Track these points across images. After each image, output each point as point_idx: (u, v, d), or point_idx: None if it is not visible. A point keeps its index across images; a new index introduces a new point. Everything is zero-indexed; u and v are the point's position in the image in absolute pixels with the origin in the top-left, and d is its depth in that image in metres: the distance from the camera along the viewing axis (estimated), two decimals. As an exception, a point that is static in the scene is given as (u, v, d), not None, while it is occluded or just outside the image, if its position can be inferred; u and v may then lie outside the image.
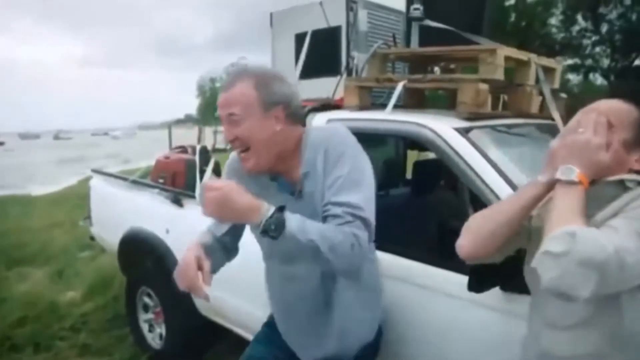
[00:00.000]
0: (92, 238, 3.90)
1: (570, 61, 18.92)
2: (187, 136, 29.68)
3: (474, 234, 1.20)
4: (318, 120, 2.22)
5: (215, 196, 1.17)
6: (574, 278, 0.93)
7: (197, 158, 2.96)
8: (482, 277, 1.38)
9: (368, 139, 2.98)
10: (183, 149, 3.41)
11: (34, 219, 7.49)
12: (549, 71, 2.29)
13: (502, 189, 1.57)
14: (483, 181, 1.61)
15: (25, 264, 5.14)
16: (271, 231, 1.18)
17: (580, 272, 0.92)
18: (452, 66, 2.48)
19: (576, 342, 1.11)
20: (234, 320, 2.59)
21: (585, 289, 0.93)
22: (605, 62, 19.40)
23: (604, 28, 18.62)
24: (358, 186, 1.29)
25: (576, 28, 19.31)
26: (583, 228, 0.96)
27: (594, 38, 19.16)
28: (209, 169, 2.88)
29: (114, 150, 31.92)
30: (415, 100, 2.36)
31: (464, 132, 1.75)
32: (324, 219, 1.27)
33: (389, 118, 1.91)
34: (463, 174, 1.67)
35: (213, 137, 31.53)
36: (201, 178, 2.81)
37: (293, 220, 1.19)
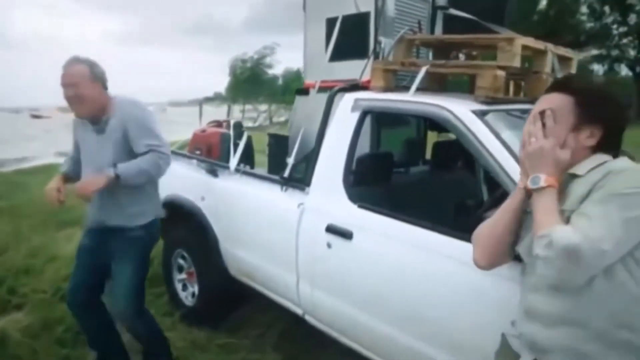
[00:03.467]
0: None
1: (595, 52, 18.64)
2: (215, 113, 30.13)
3: (482, 248, 1.39)
4: (346, 99, 2.40)
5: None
6: (564, 272, 1.10)
7: (231, 132, 3.18)
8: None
9: (391, 119, 3.17)
10: (218, 123, 3.62)
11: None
12: (565, 60, 2.40)
13: (513, 168, 1.70)
14: (496, 160, 1.76)
15: (71, 225, 5.51)
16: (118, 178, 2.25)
17: (567, 266, 1.09)
18: (475, 53, 2.60)
19: (553, 335, 1.21)
20: (261, 281, 2.83)
21: (577, 278, 1.11)
22: (632, 53, 19.05)
23: (632, 19, 18.25)
24: (156, 135, 2.34)
25: (604, 19, 19.02)
26: (557, 228, 1.11)
27: (622, 29, 18.83)
28: (242, 142, 3.09)
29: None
30: (437, 85, 2.51)
31: (481, 114, 1.90)
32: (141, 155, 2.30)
33: (412, 99, 2.08)
34: (478, 153, 1.83)
35: (241, 114, 31.91)
36: (235, 151, 3.03)
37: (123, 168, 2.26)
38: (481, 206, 2.30)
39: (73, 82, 2.25)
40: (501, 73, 1.94)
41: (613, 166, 1.20)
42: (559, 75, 2.20)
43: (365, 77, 2.58)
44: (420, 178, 3.07)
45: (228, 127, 3.39)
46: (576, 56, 2.46)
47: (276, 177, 2.64)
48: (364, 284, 2.11)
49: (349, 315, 2.21)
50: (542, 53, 2.20)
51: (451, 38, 2.30)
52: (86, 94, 2.27)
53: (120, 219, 2.42)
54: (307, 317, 2.54)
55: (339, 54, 2.76)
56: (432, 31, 2.59)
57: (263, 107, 31.95)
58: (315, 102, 2.79)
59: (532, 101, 2.25)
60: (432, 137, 3.23)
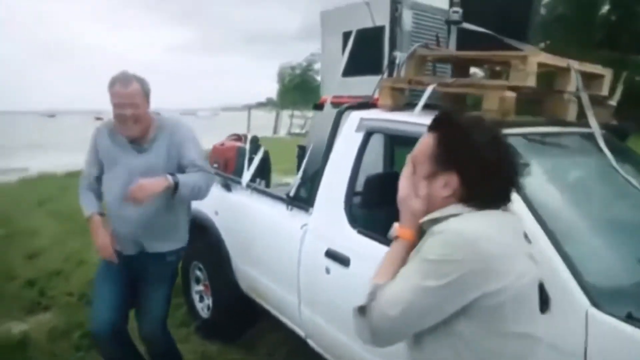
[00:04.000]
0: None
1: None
2: (265, 118, 30.68)
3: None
4: (352, 118, 2.31)
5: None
6: (356, 327, 1.10)
7: (247, 146, 3.15)
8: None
9: (405, 137, 3.03)
10: (238, 137, 3.61)
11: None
12: (595, 78, 2.20)
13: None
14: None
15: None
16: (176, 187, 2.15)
17: (357, 321, 1.09)
18: (498, 69, 2.44)
19: None
20: (268, 300, 2.77)
21: (370, 338, 1.08)
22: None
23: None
24: (200, 154, 2.32)
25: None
26: (372, 283, 1.08)
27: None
28: (257, 157, 3.06)
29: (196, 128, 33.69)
30: (453, 103, 2.37)
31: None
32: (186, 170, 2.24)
33: (412, 120, 1.96)
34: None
35: (290, 120, 32.28)
36: (249, 165, 3.00)
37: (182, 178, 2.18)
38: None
39: (133, 102, 2.11)
40: (511, 95, 1.79)
41: (439, 226, 1.05)
42: (583, 94, 2.01)
43: (378, 94, 2.48)
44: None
45: (246, 141, 3.37)
46: (608, 74, 2.25)
47: (282, 196, 2.58)
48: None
49: (344, 343, 2.11)
50: (565, 70, 2.02)
51: (463, 54, 2.16)
52: (142, 113, 2.16)
53: (161, 245, 2.32)
54: (309, 341, 2.46)
55: (352, 69, 2.66)
56: (447, 46, 2.45)
57: (311, 113, 32.10)
58: (327, 118, 2.71)
59: (553, 123, 2.11)
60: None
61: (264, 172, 3.25)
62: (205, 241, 3.15)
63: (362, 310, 1.07)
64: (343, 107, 2.38)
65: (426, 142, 1.13)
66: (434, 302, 1.00)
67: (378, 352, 1.92)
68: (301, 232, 2.35)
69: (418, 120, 1.94)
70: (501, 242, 1.01)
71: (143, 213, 2.19)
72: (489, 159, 1.06)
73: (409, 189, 1.13)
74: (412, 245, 1.11)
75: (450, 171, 1.08)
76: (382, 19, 2.60)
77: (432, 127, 1.15)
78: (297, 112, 32.83)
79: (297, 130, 30.18)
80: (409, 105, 2.30)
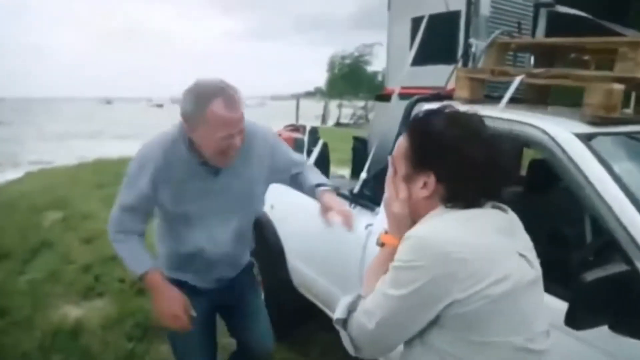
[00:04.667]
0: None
1: None
2: (313, 107, 30.62)
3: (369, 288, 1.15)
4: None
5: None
6: (343, 338, 1.08)
7: (305, 138, 3.02)
8: (585, 311, 1.21)
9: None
10: (294, 128, 3.49)
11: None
12: None
13: (626, 211, 1.35)
14: (602, 199, 1.40)
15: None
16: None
17: (342, 333, 1.07)
18: (586, 58, 2.18)
19: None
20: (323, 300, 2.65)
21: (354, 349, 1.06)
22: None
23: None
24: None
25: None
26: (355, 295, 1.07)
27: None
28: (317, 149, 2.93)
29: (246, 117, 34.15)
30: (537, 95, 2.14)
31: (586, 138, 1.54)
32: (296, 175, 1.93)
33: (500, 116, 1.75)
34: (579, 188, 1.47)
35: (338, 110, 32.09)
36: (308, 158, 2.87)
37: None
38: (581, 242, 1.92)
39: (242, 128, 1.57)
40: (619, 87, 1.55)
41: (410, 231, 0.99)
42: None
43: (452, 85, 2.27)
44: (510, 200, 2.68)
45: (305, 132, 3.24)
46: None
47: (346, 193, 2.43)
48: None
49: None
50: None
51: (555, 42, 1.91)
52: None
53: (247, 255, 2.01)
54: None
55: (423, 58, 2.46)
56: (533, 33, 2.20)
57: (360, 103, 31.78)
58: (394, 110, 2.52)
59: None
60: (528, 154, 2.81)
61: (322, 165, 3.10)
62: (260, 236, 3.05)
63: (343, 323, 1.05)
64: (414, 98, 2.19)
65: (402, 144, 1.09)
66: (404, 311, 0.96)
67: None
68: (365, 232, 2.18)
69: (504, 115, 1.73)
70: (475, 243, 0.94)
71: (237, 240, 1.81)
72: (465, 156, 0.99)
73: (391, 192, 1.10)
74: None
75: (426, 171, 1.03)
76: (457, 3, 2.38)
77: (408, 127, 1.12)
78: (345, 102, 32.58)
79: (346, 121, 29.93)
80: (488, 98, 2.10)
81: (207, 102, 1.47)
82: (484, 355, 0.93)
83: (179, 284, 1.73)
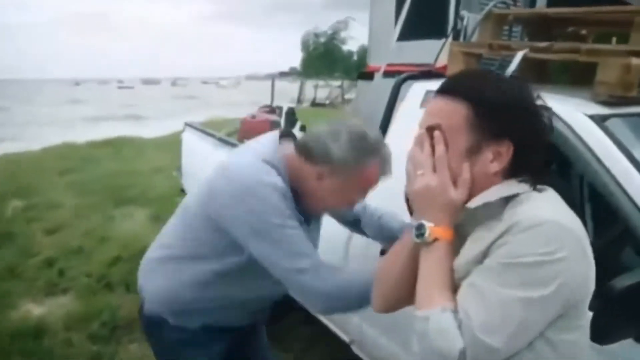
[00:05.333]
0: (183, 190, 3.98)
1: None
2: (288, 88, 30.17)
3: (377, 291, 1.07)
4: (415, 90, 1.92)
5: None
6: None
7: (282, 120, 2.80)
8: (610, 324, 1.06)
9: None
10: (270, 109, 3.26)
11: (141, 163, 8.01)
12: None
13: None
14: (622, 188, 1.25)
15: (129, 204, 5.52)
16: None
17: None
18: (583, 32, 2.01)
19: None
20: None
21: None
22: None
23: None
24: None
25: None
26: (435, 314, 0.81)
27: None
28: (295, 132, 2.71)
29: (220, 98, 33.55)
30: (534, 73, 1.96)
31: (600, 120, 1.37)
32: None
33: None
34: (595, 175, 1.32)
35: (314, 91, 31.76)
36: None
37: None
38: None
39: None
40: (637, 62, 1.38)
41: (523, 213, 0.82)
42: None
43: (442, 61, 2.08)
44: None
45: (281, 113, 3.01)
46: None
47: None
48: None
49: (397, 357, 1.79)
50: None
51: (561, 12, 1.73)
52: None
53: None
54: (353, 347, 2.15)
55: (410, 33, 2.27)
56: (532, 4, 2.02)
57: (336, 83, 31.46)
58: (379, 89, 2.33)
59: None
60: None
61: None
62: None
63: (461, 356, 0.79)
64: (402, 76, 1.99)
65: (452, 110, 0.87)
66: (542, 315, 0.80)
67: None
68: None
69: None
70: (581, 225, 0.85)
71: None
72: (540, 118, 0.87)
73: (444, 174, 0.87)
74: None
75: (500, 139, 0.86)
76: (448, -28, 2.18)
77: (453, 90, 0.89)
78: (321, 82, 32.21)
79: (322, 101, 29.65)
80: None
81: (366, 159, 1.27)
82: (585, 337, 0.90)
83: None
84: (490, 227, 0.84)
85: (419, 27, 2.28)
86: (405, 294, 0.98)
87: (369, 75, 2.54)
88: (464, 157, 0.87)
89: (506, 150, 0.86)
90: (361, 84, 2.74)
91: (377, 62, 2.50)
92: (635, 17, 1.43)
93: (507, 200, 0.86)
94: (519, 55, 1.60)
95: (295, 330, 2.94)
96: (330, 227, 1.65)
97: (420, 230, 0.88)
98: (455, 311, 0.80)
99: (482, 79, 0.92)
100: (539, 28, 2.04)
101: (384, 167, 1.31)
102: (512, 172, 0.88)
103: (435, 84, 1.84)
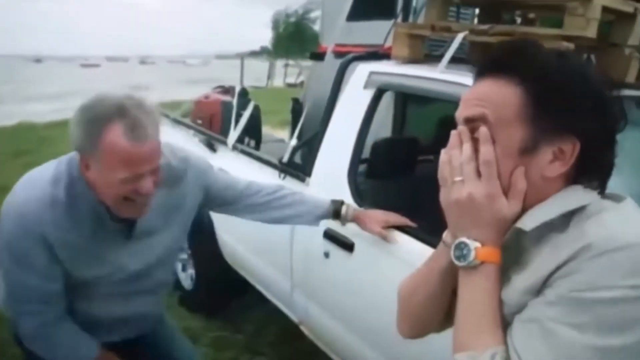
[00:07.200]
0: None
1: None
2: (259, 67, 29.71)
3: (403, 314, 0.90)
4: (359, 71, 1.91)
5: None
6: None
7: (234, 101, 2.76)
8: None
9: (414, 97, 2.62)
10: (224, 90, 3.20)
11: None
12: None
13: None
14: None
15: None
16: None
17: None
18: (532, 16, 2.03)
19: None
20: (256, 278, 2.48)
21: None
22: None
23: None
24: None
25: None
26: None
27: None
28: (246, 114, 2.67)
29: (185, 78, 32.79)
30: (481, 54, 1.97)
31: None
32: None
33: (439, 77, 1.57)
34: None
35: (284, 70, 31.43)
36: (236, 123, 2.62)
37: None
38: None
39: (154, 167, 1.16)
40: (568, 46, 1.40)
41: (596, 234, 0.63)
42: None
43: (390, 42, 2.07)
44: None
45: (234, 94, 2.97)
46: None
47: (274, 161, 2.21)
48: (362, 306, 1.70)
49: (341, 334, 1.82)
50: (628, 18, 1.62)
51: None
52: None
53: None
54: (302, 327, 2.17)
55: (359, 13, 2.25)
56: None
57: (307, 63, 31.19)
58: (329, 70, 2.31)
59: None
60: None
61: (253, 130, 2.86)
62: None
63: None
64: (348, 57, 1.98)
65: (501, 96, 0.69)
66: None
67: (375, 344, 1.65)
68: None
69: (444, 76, 1.56)
70: None
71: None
72: (612, 109, 0.68)
73: (490, 181, 0.69)
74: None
75: (565, 135, 0.67)
76: (398, -49, 2.16)
77: (500, 69, 0.70)
78: (291, 62, 31.88)
79: (292, 81, 29.38)
80: (429, 57, 1.92)
81: (101, 128, 1.06)
82: None
83: None
84: (551, 248, 0.67)
85: (369, 7, 2.27)
86: (434, 321, 0.86)
87: (320, 56, 2.52)
88: (516, 159, 0.69)
89: (571, 149, 0.68)
90: (314, 64, 2.71)
91: (329, 42, 2.47)
92: (567, 3, 1.45)
93: (572, 211, 0.69)
94: (458, 37, 1.61)
95: (246, 311, 2.94)
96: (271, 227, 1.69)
97: (461, 250, 0.71)
98: (507, 357, 0.63)
99: (540, 54, 0.71)
100: (488, 10, 2.05)
101: (130, 132, 1.05)
102: (575, 176, 0.71)
103: (379, 66, 1.86)
